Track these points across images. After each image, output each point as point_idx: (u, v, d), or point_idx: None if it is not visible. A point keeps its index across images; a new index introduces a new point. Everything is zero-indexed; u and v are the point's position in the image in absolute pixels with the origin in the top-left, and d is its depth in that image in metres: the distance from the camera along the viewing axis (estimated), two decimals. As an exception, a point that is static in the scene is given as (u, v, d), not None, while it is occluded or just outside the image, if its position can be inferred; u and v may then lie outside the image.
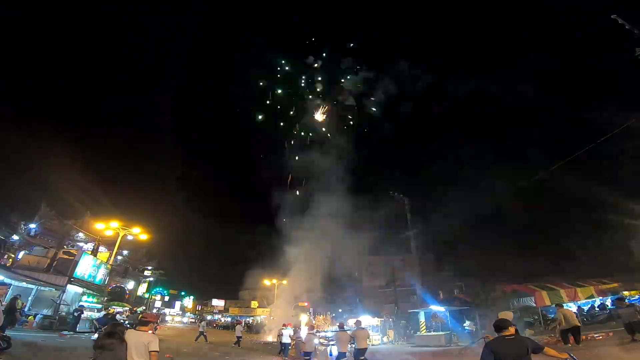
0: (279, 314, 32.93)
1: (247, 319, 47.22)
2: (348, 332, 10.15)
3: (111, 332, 3.99)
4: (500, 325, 3.58)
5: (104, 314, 18.16)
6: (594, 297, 17.80)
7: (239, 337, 19.18)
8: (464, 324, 18.29)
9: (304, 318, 28.88)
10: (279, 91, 38.15)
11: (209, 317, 56.16)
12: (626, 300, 11.49)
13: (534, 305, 17.00)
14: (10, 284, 16.76)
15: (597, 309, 17.66)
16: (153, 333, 4.76)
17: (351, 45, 36.76)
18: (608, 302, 17.81)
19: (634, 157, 20.33)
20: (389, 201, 24.68)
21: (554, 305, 16.43)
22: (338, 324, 12.01)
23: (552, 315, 15.76)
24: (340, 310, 40.05)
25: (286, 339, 15.55)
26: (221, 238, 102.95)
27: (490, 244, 29.08)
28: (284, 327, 16.90)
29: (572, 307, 15.95)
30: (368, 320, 23.85)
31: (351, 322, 20.57)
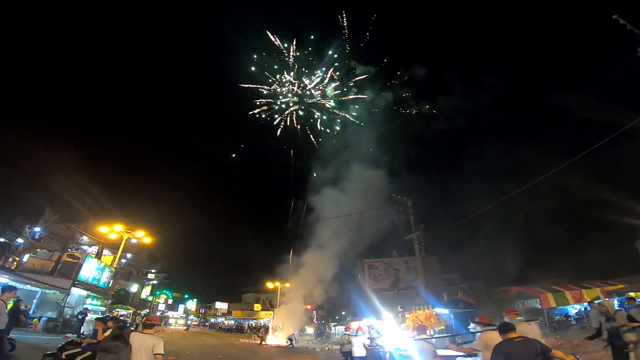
0: (282, 317, 32.81)
1: (250, 322, 47.16)
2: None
3: (116, 335, 3.98)
4: (507, 328, 3.54)
5: (104, 317, 18.17)
6: (600, 299, 17.60)
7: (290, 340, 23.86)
8: (469, 327, 18.11)
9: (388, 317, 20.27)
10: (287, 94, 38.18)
11: (212, 320, 56.20)
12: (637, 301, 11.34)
13: (540, 307, 16.85)
14: (16, 287, 16.84)
15: (603, 310, 17.46)
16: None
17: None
18: (615, 303, 17.59)
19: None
20: (392, 203, 24.62)
21: (587, 303, 16.08)
22: (479, 320, 5.69)
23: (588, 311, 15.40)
24: (343, 313, 39.90)
25: (360, 351, 10.12)
26: (224, 241, 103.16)
27: (495, 245, 28.90)
28: (351, 332, 11.77)
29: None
30: (370, 323, 23.57)
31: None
